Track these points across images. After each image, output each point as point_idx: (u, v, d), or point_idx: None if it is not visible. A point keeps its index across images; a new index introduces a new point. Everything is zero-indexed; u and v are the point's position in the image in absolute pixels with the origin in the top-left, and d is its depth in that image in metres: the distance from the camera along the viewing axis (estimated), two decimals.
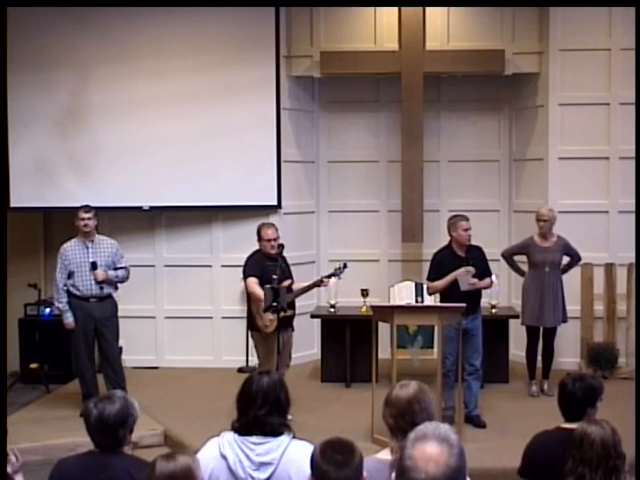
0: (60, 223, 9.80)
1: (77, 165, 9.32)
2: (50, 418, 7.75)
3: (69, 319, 7.65)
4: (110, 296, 7.82)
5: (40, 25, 9.22)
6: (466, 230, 7.39)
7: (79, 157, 9.32)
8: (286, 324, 7.43)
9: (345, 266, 7.57)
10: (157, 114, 9.24)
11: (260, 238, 7.50)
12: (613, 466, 3.46)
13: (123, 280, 7.91)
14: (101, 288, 7.70)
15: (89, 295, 7.67)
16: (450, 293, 7.32)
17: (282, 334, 7.36)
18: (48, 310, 9.30)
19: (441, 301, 7.48)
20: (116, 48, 9.24)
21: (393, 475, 2.19)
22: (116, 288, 7.87)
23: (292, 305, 7.49)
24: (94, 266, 7.62)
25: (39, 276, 9.88)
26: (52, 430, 7.37)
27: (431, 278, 7.51)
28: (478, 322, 7.42)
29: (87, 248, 7.68)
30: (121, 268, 7.84)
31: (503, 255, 8.58)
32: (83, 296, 7.65)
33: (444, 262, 7.43)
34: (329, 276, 7.61)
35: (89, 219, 7.66)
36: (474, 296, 7.35)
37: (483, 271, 7.49)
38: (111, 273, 7.73)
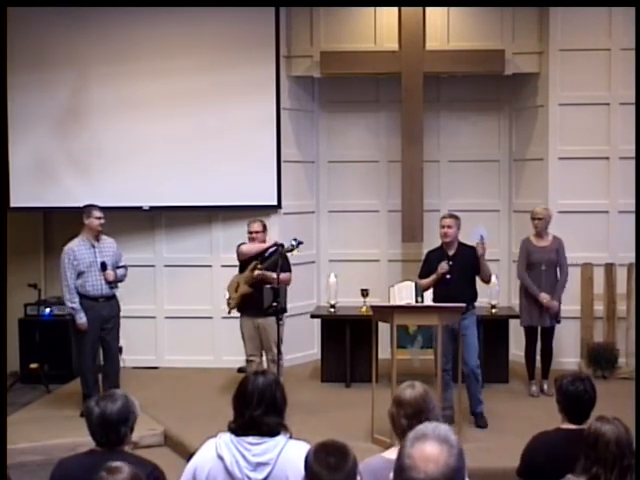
0: (60, 223, 9.80)
1: (77, 165, 9.32)
2: (50, 418, 7.76)
3: (82, 319, 7.58)
4: (114, 296, 7.84)
5: (39, 25, 9.22)
6: (442, 227, 7.44)
7: (79, 157, 9.32)
8: (255, 309, 7.57)
9: (298, 242, 7.61)
10: (157, 114, 9.25)
11: None
12: (628, 465, 3.41)
13: (123, 279, 7.93)
14: (111, 288, 7.72)
15: (98, 295, 7.66)
16: (437, 293, 7.39)
17: (253, 319, 7.73)
18: (48, 310, 9.31)
19: (434, 301, 7.46)
20: (115, 48, 9.24)
21: (391, 475, 2.18)
22: (117, 287, 7.89)
23: (254, 285, 7.67)
24: (104, 267, 7.62)
25: (39, 276, 9.89)
26: (52, 430, 7.37)
27: (419, 276, 7.61)
28: (468, 322, 7.30)
29: (93, 247, 7.67)
30: (122, 267, 7.86)
31: (519, 276, 8.40)
32: (93, 296, 7.63)
33: (431, 261, 7.52)
34: (281, 255, 7.64)
35: (103, 218, 7.70)
36: (462, 297, 7.18)
37: (473, 270, 7.46)
38: (118, 272, 7.75)
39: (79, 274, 7.60)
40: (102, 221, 7.70)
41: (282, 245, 7.65)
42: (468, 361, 7.33)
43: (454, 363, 7.21)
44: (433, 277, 7.39)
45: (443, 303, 7.04)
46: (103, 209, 7.80)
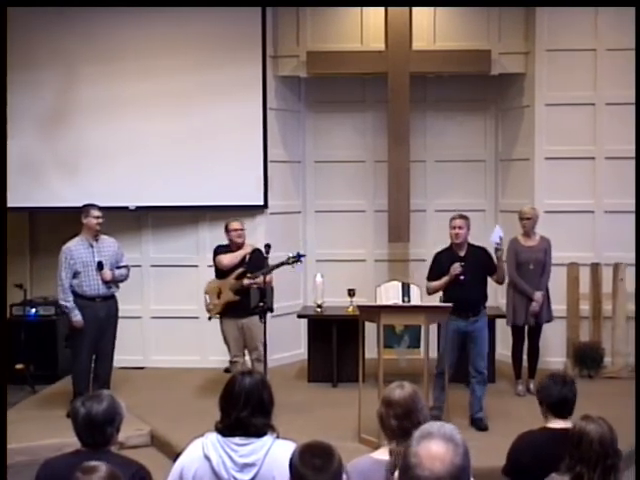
0: (46, 223, 9.76)
1: (63, 165, 9.28)
2: (36, 419, 7.72)
3: (77, 317, 7.52)
4: (113, 296, 7.79)
5: (26, 24, 9.18)
6: (454, 228, 7.36)
7: (65, 157, 9.28)
8: (238, 310, 7.64)
9: (300, 256, 7.64)
10: (143, 113, 9.22)
11: None
12: (611, 464, 3.44)
13: (125, 279, 7.89)
14: (109, 288, 7.68)
15: (95, 295, 7.60)
16: (449, 295, 7.31)
17: (237, 320, 7.74)
18: (34, 310, 9.26)
19: (444, 302, 7.41)
20: (102, 47, 9.21)
21: (396, 474, 2.20)
22: (118, 287, 7.85)
23: (240, 292, 7.71)
24: (100, 266, 7.57)
25: (25, 276, 9.83)
26: (39, 430, 7.33)
27: (429, 278, 7.51)
28: (480, 325, 7.32)
29: (92, 247, 7.63)
30: (123, 267, 7.82)
31: (510, 277, 8.29)
32: (89, 296, 7.58)
33: (442, 262, 7.41)
34: (278, 266, 7.60)
35: (102, 217, 7.66)
36: (475, 298, 7.29)
37: (485, 271, 7.43)
38: (117, 272, 7.72)
39: (75, 274, 7.55)
40: (100, 220, 7.65)
41: (268, 245, 7.59)
42: (479, 363, 7.31)
43: (454, 365, 7.22)
44: (445, 279, 7.29)
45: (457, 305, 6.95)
46: None
